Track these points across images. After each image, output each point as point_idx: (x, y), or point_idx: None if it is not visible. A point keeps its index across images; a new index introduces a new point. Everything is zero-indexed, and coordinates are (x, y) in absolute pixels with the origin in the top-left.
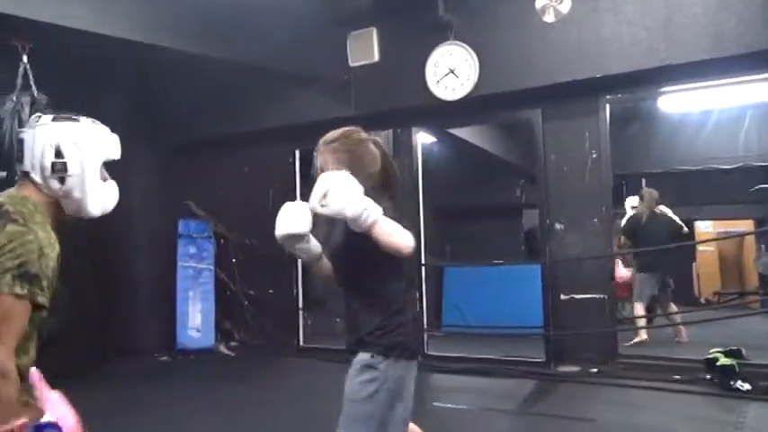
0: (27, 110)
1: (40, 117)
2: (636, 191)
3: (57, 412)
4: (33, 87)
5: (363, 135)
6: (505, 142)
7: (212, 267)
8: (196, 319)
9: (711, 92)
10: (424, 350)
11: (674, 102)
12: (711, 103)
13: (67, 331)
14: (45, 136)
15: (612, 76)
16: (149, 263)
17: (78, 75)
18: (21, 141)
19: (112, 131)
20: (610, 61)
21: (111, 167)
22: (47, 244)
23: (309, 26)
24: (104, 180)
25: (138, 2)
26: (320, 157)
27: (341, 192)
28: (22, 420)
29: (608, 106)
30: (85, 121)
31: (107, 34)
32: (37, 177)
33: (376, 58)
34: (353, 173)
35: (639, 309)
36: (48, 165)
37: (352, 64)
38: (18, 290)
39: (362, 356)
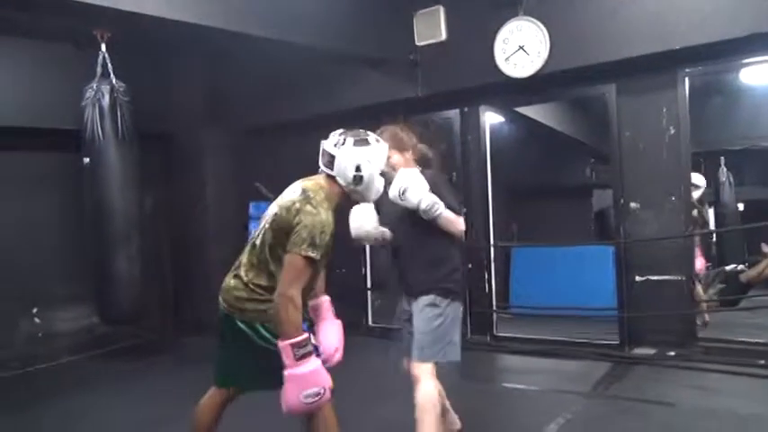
0: (107, 98)
1: (345, 141)
2: (715, 169)
3: (324, 337)
4: (112, 75)
5: (392, 126)
6: (575, 120)
7: None
8: None
9: None
10: (493, 331)
11: (759, 74)
12: None
13: (147, 310)
14: (349, 156)
15: (692, 48)
16: (222, 244)
17: (154, 61)
18: (333, 156)
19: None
20: (689, 32)
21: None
22: (326, 224)
23: (376, 7)
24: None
25: None
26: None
27: (416, 190)
28: (305, 335)
29: (687, 80)
30: (373, 143)
31: (181, 20)
32: (341, 180)
33: (443, 36)
34: (399, 150)
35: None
36: (350, 176)
37: (418, 43)
38: (310, 253)
39: (428, 298)
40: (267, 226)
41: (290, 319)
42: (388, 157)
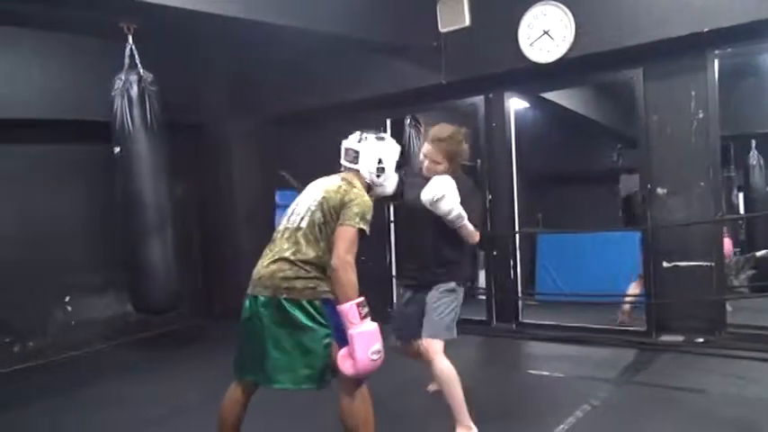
0: (135, 88)
1: (366, 138)
2: (745, 153)
3: None
4: (139, 66)
5: (461, 137)
6: (601, 105)
7: None
8: None
9: None
10: (518, 318)
11: None
12: None
13: (179, 299)
14: (373, 150)
15: (721, 30)
16: (249, 232)
17: (181, 53)
18: (357, 151)
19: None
20: (718, 13)
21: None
22: (371, 205)
23: None
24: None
25: None
26: (428, 147)
27: (450, 201)
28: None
29: (716, 62)
30: (389, 139)
31: (202, 11)
32: (365, 173)
33: (467, 22)
34: (450, 161)
35: None
36: (374, 168)
37: (442, 29)
38: (362, 225)
39: (447, 285)
40: (314, 208)
41: (351, 281)
42: (437, 162)
